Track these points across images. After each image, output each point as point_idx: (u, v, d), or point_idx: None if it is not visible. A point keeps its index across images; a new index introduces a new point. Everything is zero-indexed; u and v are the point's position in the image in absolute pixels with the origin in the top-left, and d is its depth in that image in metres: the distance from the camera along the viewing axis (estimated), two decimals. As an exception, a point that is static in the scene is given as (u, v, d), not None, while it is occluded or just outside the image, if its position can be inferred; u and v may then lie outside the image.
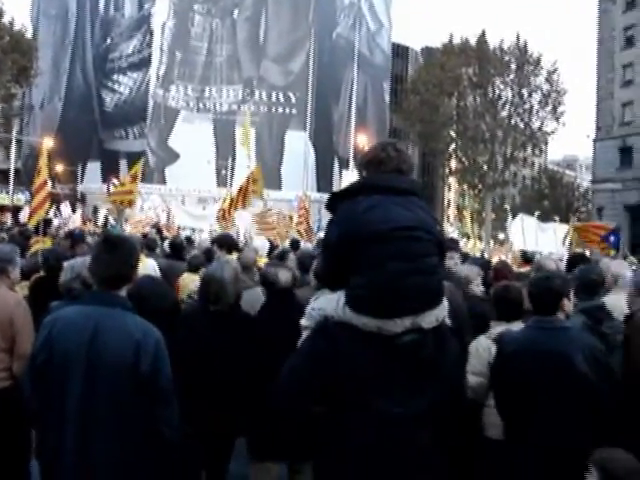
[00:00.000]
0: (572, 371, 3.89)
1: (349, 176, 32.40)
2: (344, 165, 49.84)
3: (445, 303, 3.18)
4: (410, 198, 3.17)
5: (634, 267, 13.14)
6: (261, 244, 12.96)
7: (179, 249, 9.80)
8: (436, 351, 3.09)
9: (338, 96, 57.90)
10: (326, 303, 3.15)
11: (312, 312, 3.20)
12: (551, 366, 3.94)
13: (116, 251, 3.42)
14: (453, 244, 7.50)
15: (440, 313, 3.13)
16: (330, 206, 3.27)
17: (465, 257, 8.47)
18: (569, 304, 4.23)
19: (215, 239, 9.62)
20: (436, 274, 3.15)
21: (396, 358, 2.98)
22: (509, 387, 4.16)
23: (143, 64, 56.28)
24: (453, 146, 53.11)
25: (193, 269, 7.93)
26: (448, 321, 3.27)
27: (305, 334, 3.21)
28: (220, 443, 4.76)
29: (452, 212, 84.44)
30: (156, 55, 55.64)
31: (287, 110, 56.24)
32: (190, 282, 7.46)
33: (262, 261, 8.77)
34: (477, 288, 5.64)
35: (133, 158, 39.96)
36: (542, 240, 22.05)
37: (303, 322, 3.25)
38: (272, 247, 12.56)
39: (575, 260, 6.93)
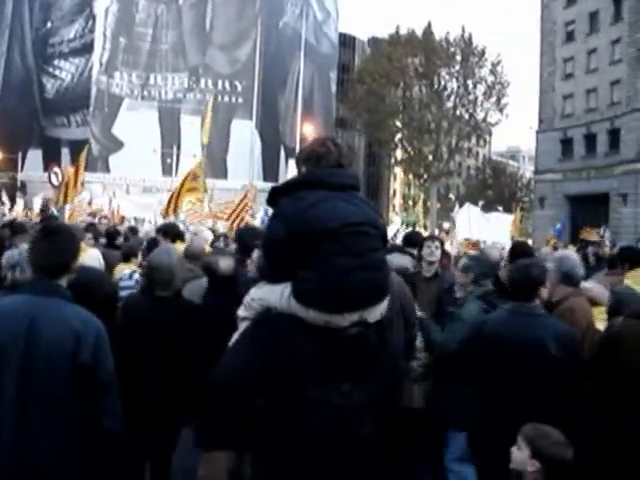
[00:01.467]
0: (546, 355, 4.09)
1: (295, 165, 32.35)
2: (290, 154, 49.84)
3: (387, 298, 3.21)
4: (354, 193, 3.20)
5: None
6: (209, 234, 12.84)
7: (114, 238, 9.64)
8: (378, 343, 3.13)
9: (285, 85, 57.73)
10: (268, 294, 3.10)
11: (252, 303, 3.16)
12: (527, 350, 4.13)
13: (55, 239, 3.31)
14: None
15: (384, 307, 3.16)
16: (271, 201, 3.25)
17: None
18: (545, 291, 4.45)
19: (160, 228, 9.49)
20: (383, 269, 3.20)
21: (341, 350, 2.99)
22: (486, 367, 4.33)
23: (85, 50, 55.02)
24: (399, 136, 53.57)
25: (126, 259, 7.81)
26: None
27: (242, 325, 3.18)
28: (164, 434, 4.70)
29: (398, 202, 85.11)
30: (99, 41, 54.46)
31: (233, 99, 55.82)
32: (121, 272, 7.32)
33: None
34: None
35: (75, 146, 39.17)
36: (486, 229, 22.38)
37: (240, 312, 3.21)
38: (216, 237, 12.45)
39: (516, 249, 7.03)
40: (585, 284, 5.22)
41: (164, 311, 4.63)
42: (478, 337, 4.48)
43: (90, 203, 24.61)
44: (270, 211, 3.56)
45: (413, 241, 7.15)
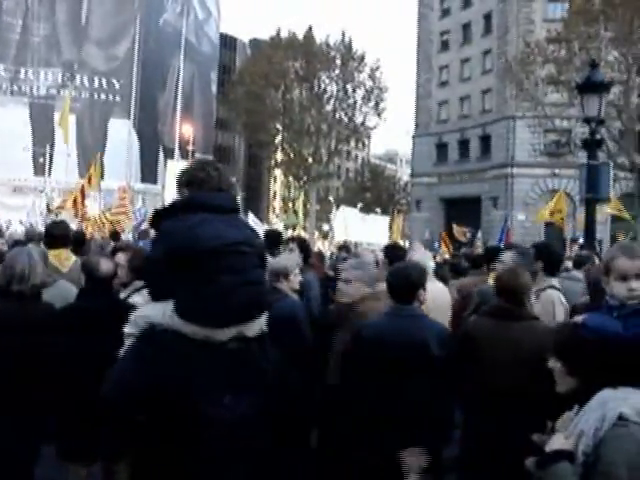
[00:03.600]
0: (429, 355, 4.17)
1: (174, 166, 31.85)
2: (169, 155, 49.02)
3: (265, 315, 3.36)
4: (233, 215, 3.39)
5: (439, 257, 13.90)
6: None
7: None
8: (260, 358, 3.26)
9: (164, 84, 56.66)
10: (151, 311, 3.21)
11: (137, 319, 3.24)
12: (411, 351, 4.16)
13: None
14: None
15: (263, 322, 3.32)
16: (154, 223, 3.40)
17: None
18: (424, 294, 4.48)
19: (27, 231, 9.10)
20: (262, 284, 3.42)
21: (221, 364, 3.09)
22: (367, 370, 4.31)
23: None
24: (279, 138, 53.69)
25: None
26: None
27: (128, 341, 3.24)
28: (25, 447, 4.47)
29: (278, 204, 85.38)
30: (-38, 30, 51.61)
31: (110, 97, 54.24)
32: None
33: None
34: (296, 278, 5.67)
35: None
36: (363, 231, 22.83)
37: (127, 329, 3.27)
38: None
39: (389, 249, 7.18)
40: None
41: (20, 309, 4.33)
42: (356, 342, 4.48)
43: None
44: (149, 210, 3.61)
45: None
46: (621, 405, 2.53)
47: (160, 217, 3.34)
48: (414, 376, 4.14)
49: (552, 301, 5.43)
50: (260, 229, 12.83)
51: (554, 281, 5.71)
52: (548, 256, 5.81)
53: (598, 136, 13.05)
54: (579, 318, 3.05)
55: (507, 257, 5.73)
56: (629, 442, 2.46)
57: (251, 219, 20.35)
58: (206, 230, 3.13)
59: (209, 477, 3.07)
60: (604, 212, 21.86)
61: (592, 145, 12.29)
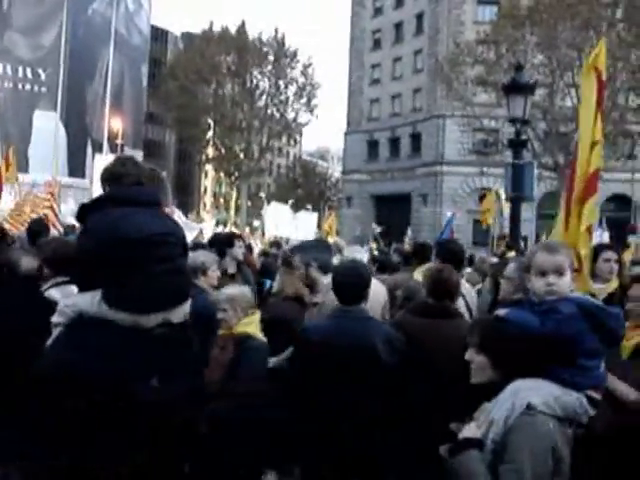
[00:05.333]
0: (376, 361, 4.04)
1: (102, 160, 31.17)
2: (97, 149, 47.94)
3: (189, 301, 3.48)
4: (154, 208, 3.55)
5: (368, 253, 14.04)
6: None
7: None
8: (185, 343, 3.44)
9: (93, 76, 55.30)
10: (79, 300, 3.32)
11: (64, 309, 3.32)
12: (358, 354, 4.02)
13: None
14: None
15: (187, 309, 3.47)
16: (80, 217, 3.51)
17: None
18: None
19: None
20: (185, 273, 3.63)
21: (148, 348, 3.22)
22: (313, 374, 4.14)
23: None
24: (210, 133, 53.26)
25: None
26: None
27: (56, 330, 3.31)
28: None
29: (209, 200, 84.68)
30: None
31: (36, 87, 52.67)
32: None
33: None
34: (214, 274, 5.66)
35: None
36: (293, 227, 22.91)
37: (54, 319, 3.34)
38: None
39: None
40: None
41: None
42: (302, 345, 4.32)
43: None
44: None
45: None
46: (531, 395, 2.66)
47: (86, 211, 3.47)
48: (363, 384, 4.01)
49: None
50: (186, 225, 12.71)
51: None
52: (450, 253, 5.85)
53: (524, 136, 13.43)
54: (501, 312, 3.12)
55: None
56: (534, 429, 2.59)
57: (177, 215, 20.12)
58: (130, 222, 3.29)
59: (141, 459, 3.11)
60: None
61: (517, 145, 12.62)
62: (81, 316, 3.26)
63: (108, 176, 3.62)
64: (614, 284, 5.08)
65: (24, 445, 4.44)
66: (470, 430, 2.73)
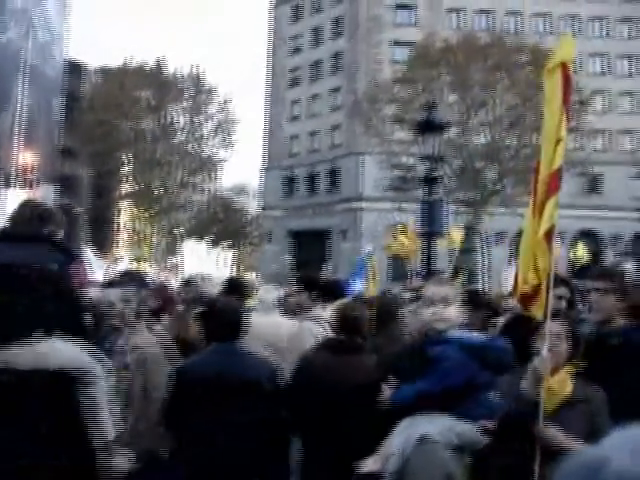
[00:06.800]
0: (261, 392, 4.10)
1: (12, 195, 30.25)
2: (8, 183, 46.53)
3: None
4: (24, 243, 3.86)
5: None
6: None
7: None
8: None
9: (3, 107, 53.86)
10: None
11: None
12: (245, 389, 4.07)
13: None
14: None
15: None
16: None
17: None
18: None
19: None
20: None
21: None
22: (196, 413, 4.12)
23: None
24: (127, 169, 52.53)
25: None
26: None
27: None
28: None
29: (125, 236, 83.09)
30: None
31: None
32: None
33: None
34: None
35: None
36: (209, 264, 22.77)
37: None
38: None
39: (227, 282, 7.08)
40: None
41: None
42: (176, 385, 4.30)
43: None
44: None
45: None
46: (425, 426, 2.75)
47: None
48: (242, 414, 4.07)
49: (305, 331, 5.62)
50: (96, 264, 12.41)
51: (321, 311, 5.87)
52: (319, 286, 6.11)
53: (439, 172, 13.70)
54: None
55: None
56: (429, 459, 2.68)
57: (89, 253, 19.70)
58: None
59: None
60: (444, 245, 22.83)
61: (430, 181, 12.87)
62: None
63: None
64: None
65: None
66: (368, 465, 2.86)
